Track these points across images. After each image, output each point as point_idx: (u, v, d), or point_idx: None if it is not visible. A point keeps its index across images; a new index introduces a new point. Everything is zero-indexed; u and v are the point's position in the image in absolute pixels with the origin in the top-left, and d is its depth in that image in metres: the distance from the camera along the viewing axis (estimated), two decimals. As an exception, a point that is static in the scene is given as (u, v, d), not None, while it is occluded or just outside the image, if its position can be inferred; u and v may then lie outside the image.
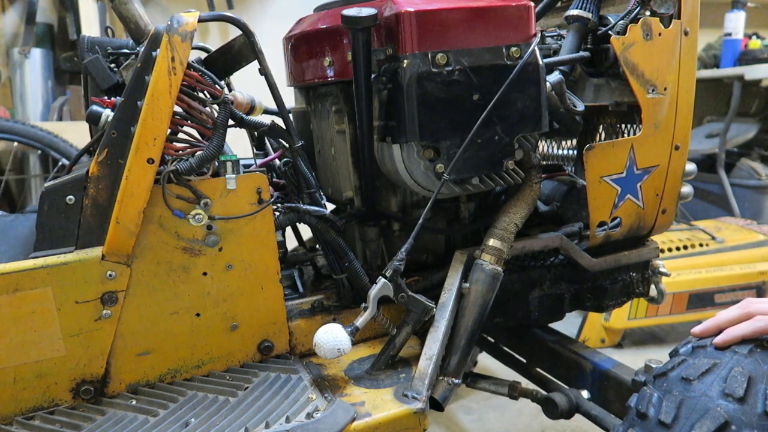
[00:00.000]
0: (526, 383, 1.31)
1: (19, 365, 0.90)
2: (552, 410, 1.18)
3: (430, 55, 0.95)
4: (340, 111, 1.11)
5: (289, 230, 1.25)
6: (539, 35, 1.30)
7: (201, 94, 0.97)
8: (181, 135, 0.97)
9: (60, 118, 2.67)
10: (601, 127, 1.38)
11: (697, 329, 0.92)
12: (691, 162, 1.30)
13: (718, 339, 0.87)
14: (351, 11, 0.92)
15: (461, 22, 0.97)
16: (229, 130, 0.99)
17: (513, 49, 1.00)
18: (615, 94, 1.22)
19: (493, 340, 1.57)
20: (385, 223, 1.18)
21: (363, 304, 0.97)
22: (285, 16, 1.68)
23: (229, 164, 0.97)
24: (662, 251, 2.36)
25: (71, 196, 0.92)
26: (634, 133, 1.22)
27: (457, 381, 0.99)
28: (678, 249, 2.41)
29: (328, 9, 1.14)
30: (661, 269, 1.35)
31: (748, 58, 3.13)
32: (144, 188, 0.91)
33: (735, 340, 0.85)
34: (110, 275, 0.92)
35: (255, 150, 1.23)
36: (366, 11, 0.92)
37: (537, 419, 1.92)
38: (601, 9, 1.20)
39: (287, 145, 1.08)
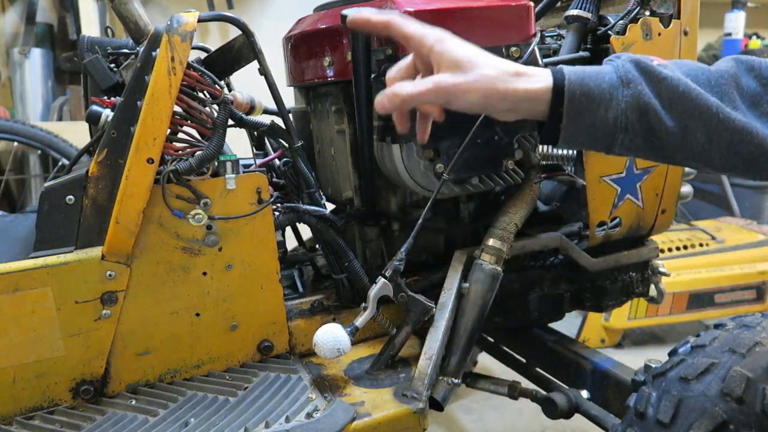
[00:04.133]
0: (526, 383, 1.31)
1: (19, 365, 0.90)
2: (552, 410, 1.18)
3: (429, 55, 0.95)
4: (339, 111, 1.11)
5: (289, 230, 1.25)
6: (539, 35, 1.30)
7: (201, 94, 0.98)
8: (180, 135, 0.97)
9: (60, 118, 2.67)
10: (600, 127, 1.38)
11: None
12: (691, 162, 1.30)
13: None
14: (351, 11, 0.92)
15: (461, 22, 0.97)
16: (229, 130, 0.99)
17: (513, 49, 1.00)
18: (615, 94, 1.22)
19: (493, 340, 1.57)
20: (385, 223, 1.18)
21: (363, 304, 0.97)
22: (285, 16, 1.68)
23: (228, 164, 0.97)
24: (662, 251, 2.36)
25: (71, 196, 0.92)
26: (634, 133, 1.22)
27: (457, 381, 0.99)
28: (678, 249, 2.41)
29: (328, 9, 1.14)
30: (661, 269, 1.35)
31: (748, 58, 3.13)
32: (144, 188, 0.91)
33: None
34: (110, 275, 0.92)
35: (255, 150, 1.23)
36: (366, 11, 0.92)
37: (537, 419, 1.92)
38: (601, 9, 1.20)
39: (287, 145, 1.09)
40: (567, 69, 0.72)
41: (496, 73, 0.71)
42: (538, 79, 0.71)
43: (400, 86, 0.75)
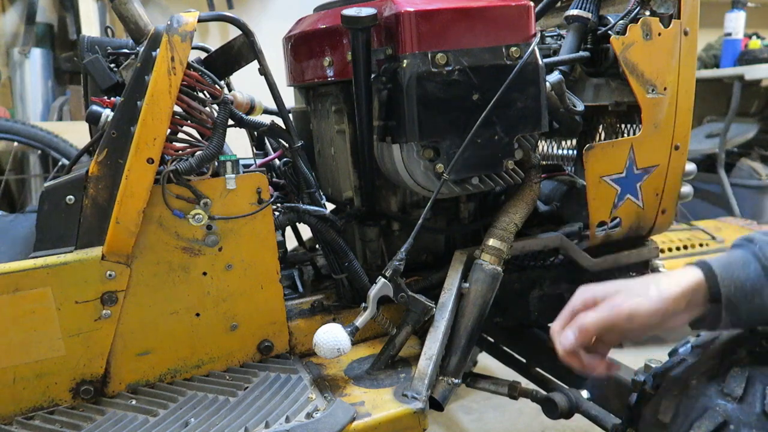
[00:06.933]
0: (526, 383, 1.31)
1: (19, 365, 0.90)
2: (552, 410, 1.18)
3: (429, 55, 0.95)
4: (340, 111, 1.11)
5: (289, 230, 1.25)
6: (539, 35, 1.30)
7: (201, 94, 0.98)
8: (181, 135, 0.97)
9: (60, 118, 2.66)
10: (601, 127, 1.38)
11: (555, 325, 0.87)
12: (691, 162, 1.30)
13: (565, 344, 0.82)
14: (351, 11, 0.92)
15: (461, 22, 0.97)
16: (229, 130, 0.99)
17: (513, 49, 1.00)
18: (615, 94, 1.22)
19: (493, 340, 1.57)
20: (385, 223, 1.18)
21: (363, 304, 0.97)
22: (285, 16, 1.68)
23: (228, 164, 0.97)
24: (662, 251, 2.35)
25: (71, 196, 0.92)
26: (634, 133, 1.22)
27: (456, 381, 0.99)
28: (678, 249, 2.40)
29: (328, 9, 1.14)
30: (661, 269, 1.35)
31: (748, 58, 3.13)
32: (144, 188, 0.91)
33: (588, 333, 0.81)
34: (110, 275, 0.92)
35: (255, 150, 1.23)
36: (366, 11, 0.92)
37: (537, 419, 1.92)
38: (601, 9, 1.20)
39: (287, 145, 1.09)
40: (712, 263, 0.79)
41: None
42: (685, 273, 0.78)
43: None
